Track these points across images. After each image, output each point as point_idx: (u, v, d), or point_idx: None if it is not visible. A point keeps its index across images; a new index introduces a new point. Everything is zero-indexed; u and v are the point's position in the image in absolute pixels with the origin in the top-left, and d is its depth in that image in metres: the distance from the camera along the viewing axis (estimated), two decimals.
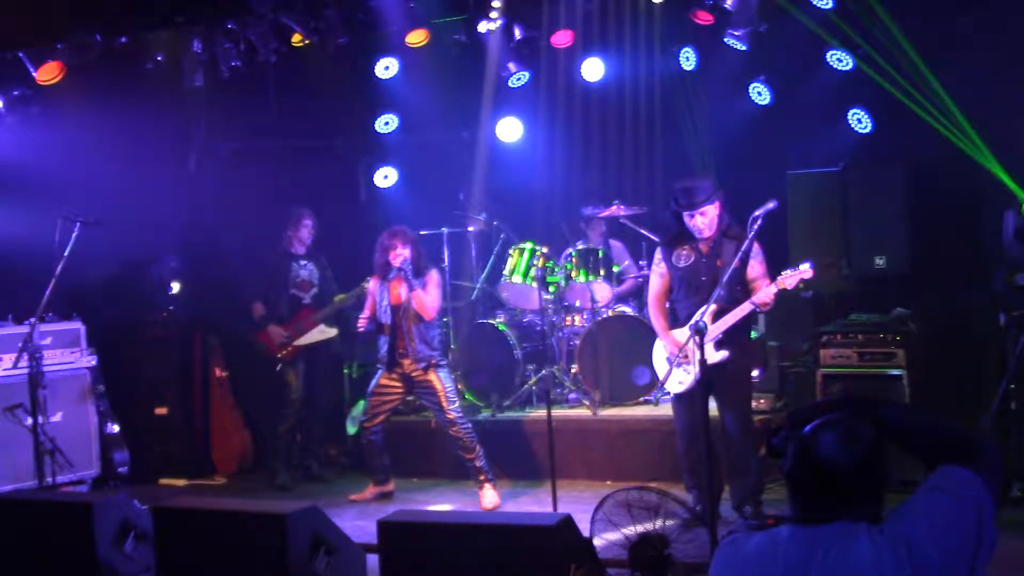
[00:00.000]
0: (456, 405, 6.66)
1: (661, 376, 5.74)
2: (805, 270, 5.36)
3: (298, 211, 7.65)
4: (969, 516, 2.13)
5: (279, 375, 7.53)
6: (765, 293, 5.40)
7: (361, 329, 6.84)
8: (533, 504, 6.60)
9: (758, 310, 5.55)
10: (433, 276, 6.71)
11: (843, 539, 2.13)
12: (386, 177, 9.11)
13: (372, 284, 6.79)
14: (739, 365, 5.63)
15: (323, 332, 7.56)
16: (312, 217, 7.68)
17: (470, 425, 6.70)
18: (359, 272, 7.21)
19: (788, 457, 2.28)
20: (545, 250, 7.69)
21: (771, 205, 5.31)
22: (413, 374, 6.65)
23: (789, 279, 5.37)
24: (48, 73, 7.74)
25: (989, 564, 2.18)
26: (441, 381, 6.62)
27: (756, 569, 2.21)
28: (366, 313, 6.84)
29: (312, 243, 7.70)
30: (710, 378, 5.21)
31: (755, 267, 5.57)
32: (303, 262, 7.67)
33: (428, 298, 6.58)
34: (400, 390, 6.76)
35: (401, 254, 6.57)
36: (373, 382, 6.82)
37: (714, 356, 5.43)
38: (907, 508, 2.18)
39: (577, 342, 7.63)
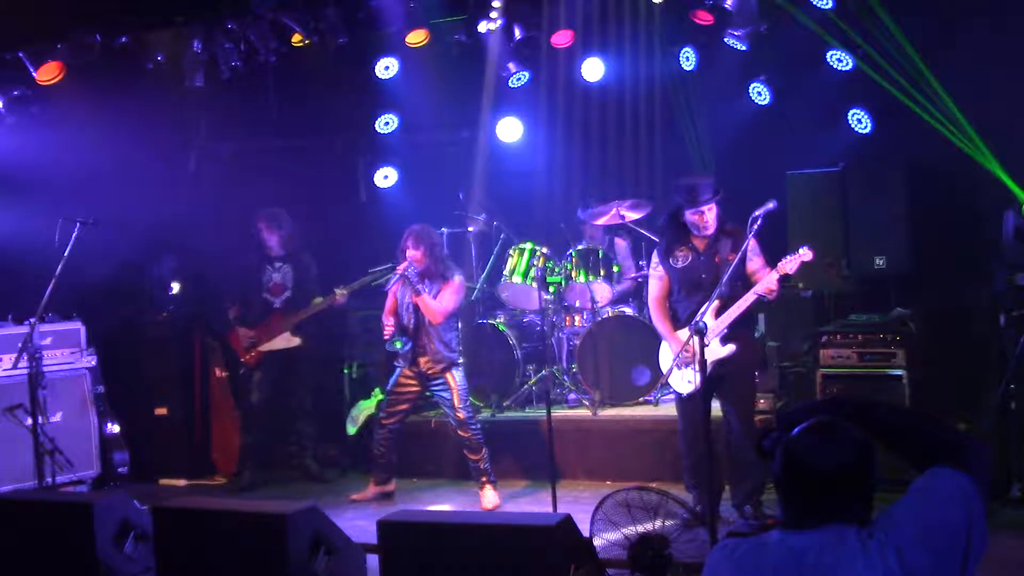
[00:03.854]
0: (468, 405, 6.68)
1: (671, 379, 5.73)
2: (805, 253, 5.36)
3: (259, 213, 7.55)
4: (959, 517, 2.13)
5: (243, 379, 7.58)
6: (768, 280, 5.40)
7: (387, 335, 6.67)
8: (533, 504, 6.60)
9: (765, 299, 5.52)
10: (453, 282, 6.60)
11: (833, 544, 2.13)
12: (386, 177, 9.10)
13: (394, 284, 6.74)
14: (744, 361, 5.63)
15: (288, 340, 7.45)
16: (269, 220, 7.50)
17: (479, 426, 6.71)
18: (359, 272, 7.21)
19: (776, 460, 2.27)
20: (545, 250, 7.69)
21: (771, 205, 5.32)
22: (429, 372, 6.65)
23: (790, 263, 5.37)
24: (48, 73, 7.74)
25: (987, 564, 2.18)
26: (456, 380, 6.63)
27: (746, 573, 2.20)
28: (388, 317, 6.69)
29: (294, 245, 7.57)
30: (714, 375, 5.22)
31: (755, 261, 5.59)
32: (278, 264, 7.56)
33: (435, 303, 6.54)
34: (416, 388, 6.77)
35: (410, 257, 6.54)
36: (392, 379, 6.82)
37: (720, 351, 5.43)
38: (896, 510, 2.17)
39: (577, 342, 7.63)
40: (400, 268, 6.52)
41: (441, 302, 6.57)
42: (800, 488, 2.21)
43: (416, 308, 6.62)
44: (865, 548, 2.09)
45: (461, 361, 6.81)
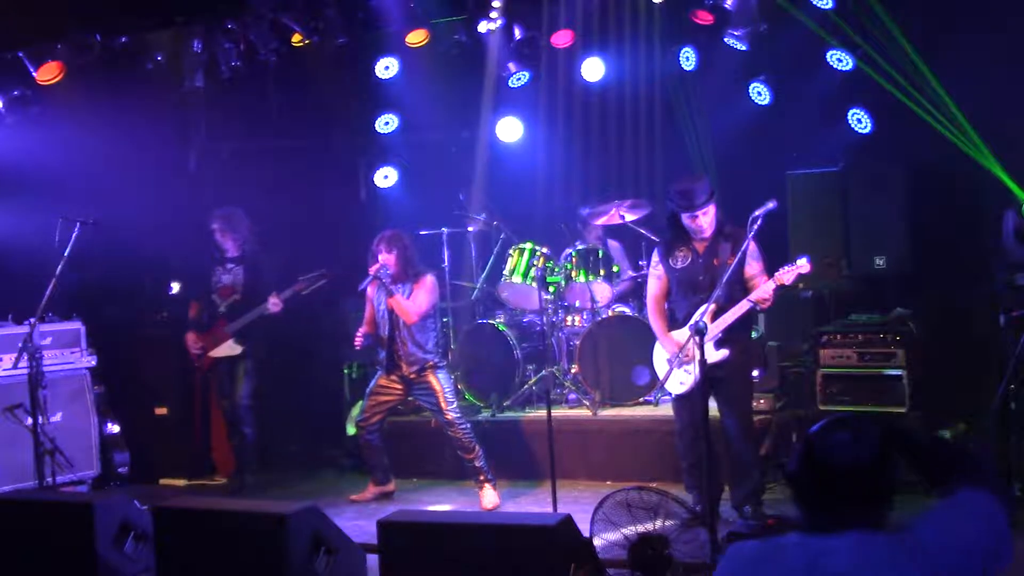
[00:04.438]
0: (455, 406, 6.66)
1: (662, 377, 5.74)
2: (802, 265, 5.36)
3: (213, 214, 7.37)
4: (985, 536, 2.09)
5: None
6: (763, 290, 5.41)
7: (358, 346, 6.72)
8: (533, 504, 6.60)
9: (757, 308, 5.54)
10: (424, 281, 6.60)
11: (855, 551, 2.07)
12: (386, 177, 9.11)
13: (369, 291, 6.76)
14: (739, 364, 5.62)
15: (231, 348, 7.29)
16: (224, 223, 7.31)
17: (469, 426, 6.70)
18: (359, 272, 7.20)
19: (793, 458, 2.22)
20: (545, 250, 7.69)
21: (771, 205, 5.31)
22: (411, 376, 6.65)
23: (787, 275, 5.37)
24: (48, 73, 7.75)
25: None
26: (439, 382, 6.61)
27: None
28: (363, 327, 6.73)
29: (250, 246, 7.37)
30: (710, 378, 5.22)
31: (753, 265, 5.58)
32: (230, 266, 7.35)
33: (408, 303, 6.53)
34: (399, 392, 6.75)
35: (382, 260, 6.53)
36: (372, 383, 6.82)
37: (714, 355, 5.43)
38: (921, 524, 2.11)
39: (577, 342, 7.63)
40: (372, 269, 6.52)
41: (415, 302, 6.55)
42: (818, 485, 2.16)
43: (391, 313, 6.61)
44: (892, 560, 2.04)
45: (443, 363, 6.79)
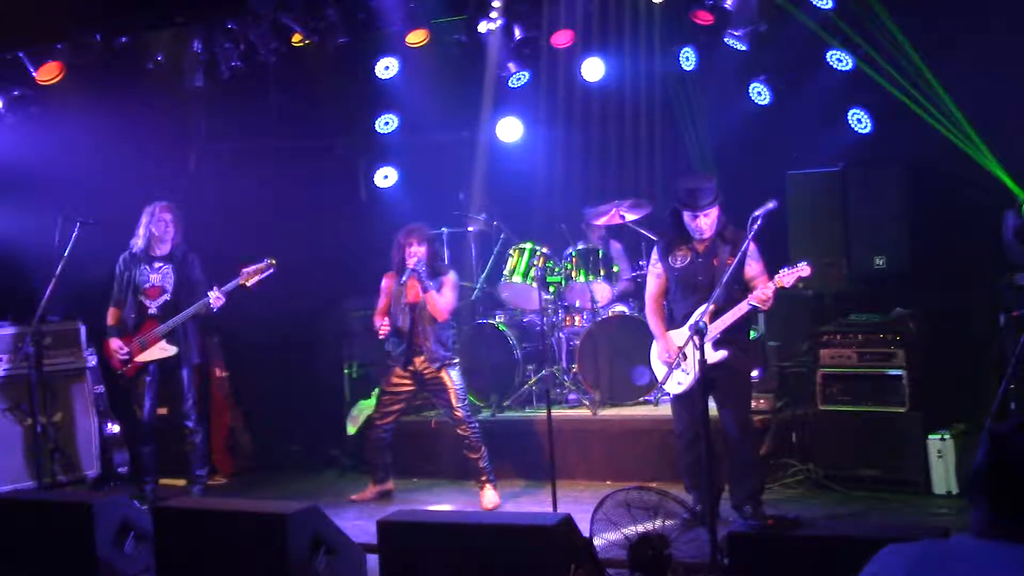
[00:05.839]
0: (465, 404, 6.68)
1: (659, 377, 5.74)
2: (803, 267, 5.37)
3: (164, 205, 7.01)
4: None
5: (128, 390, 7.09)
6: (763, 291, 5.41)
7: (382, 336, 6.62)
8: (533, 504, 6.60)
9: (757, 309, 5.54)
10: (450, 278, 6.68)
11: None
12: (386, 177, 9.11)
13: (386, 282, 6.76)
14: (738, 364, 5.62)
15: (164, 349, 6.89)
16: (175, 214, 7.00)
17: (477, 425, 6.71)
18: (359, 272, 7.20)
19: (979, 454, 2.02)
20: (545, 250, 7.70)
21: (771, 205, 5.31)
22: (425, 372, 6.65)
23: (787, 277, 5.38)
24: (48, 73, 7.73)
25: None
26: (452, 380, 6.62)
27: None
28: (383, 319, 6.61)
29: (182, 245, 7.03)
30: (709, 378, 5.22)
31: (752, 266, 5.58)
32: (158, 265, 6.97)
33: (442, 300, 6.56)
34: (411, 387, 6.76)
35: (416, 253, 6.53)
36: (385, 379, 6.82)
37: (713, 356, 5.43)
38: None
39: (577, 342, 7.64)
40: (410, 263, 6.50)
41: (445, 299, 6.58)
42: (1005, 489, 1.96)
43: (411, 307, 6.61)
44: None
45: (457, 360, 6.80)
